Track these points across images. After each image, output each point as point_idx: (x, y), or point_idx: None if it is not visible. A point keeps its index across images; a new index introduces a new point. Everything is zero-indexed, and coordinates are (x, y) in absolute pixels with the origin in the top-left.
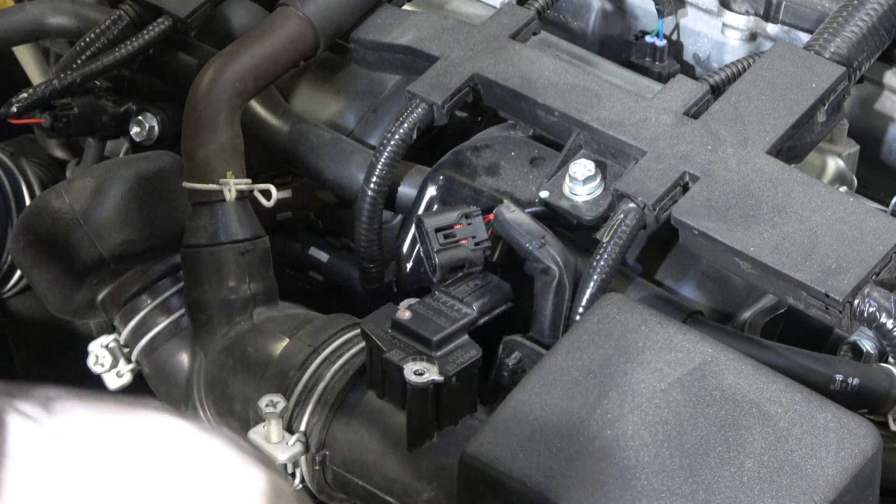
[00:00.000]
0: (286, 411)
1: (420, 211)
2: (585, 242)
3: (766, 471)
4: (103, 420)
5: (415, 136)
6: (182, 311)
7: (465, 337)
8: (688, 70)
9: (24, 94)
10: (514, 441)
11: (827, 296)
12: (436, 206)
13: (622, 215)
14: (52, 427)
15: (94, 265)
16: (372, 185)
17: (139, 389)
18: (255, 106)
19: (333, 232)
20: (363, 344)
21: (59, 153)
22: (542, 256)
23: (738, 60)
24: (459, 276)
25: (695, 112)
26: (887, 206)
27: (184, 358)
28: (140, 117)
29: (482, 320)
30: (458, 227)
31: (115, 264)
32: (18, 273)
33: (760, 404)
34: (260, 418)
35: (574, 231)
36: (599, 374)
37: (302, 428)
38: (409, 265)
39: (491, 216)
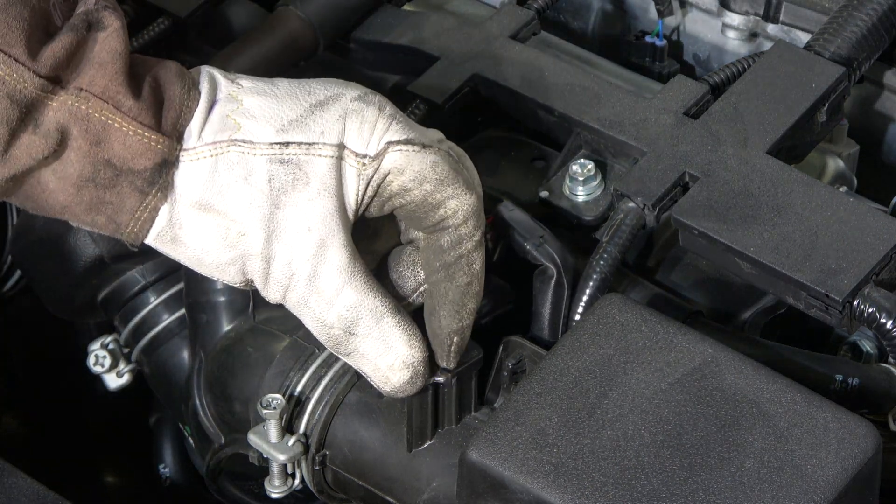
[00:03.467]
0: (286, 411)
1: None
2: (586, 242)
3: (766, 471)
4: None
5: None
6: (182, 310)
7: None
8: (688, 70)
9: None
10: (514, 441)
11: (827, 296)
12: None
13: (622, 215)
14: None
15: (94, 265)
16: None
17: (139, 389)
18: None
19: None
20: None
21: None
22: (540, 255)
23: (738, 60)
24: None
25: (695, 112)
26: (887, 206)
27: (184, 358)
28: None
29: (483, 321)
30: None
31: (114, 264)
32: (18, 273)
33: (760, 404)
34: (260, 418)
35: (574, 231)
36: (599, 374)
37: (302, 428)
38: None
39: (492, 218)
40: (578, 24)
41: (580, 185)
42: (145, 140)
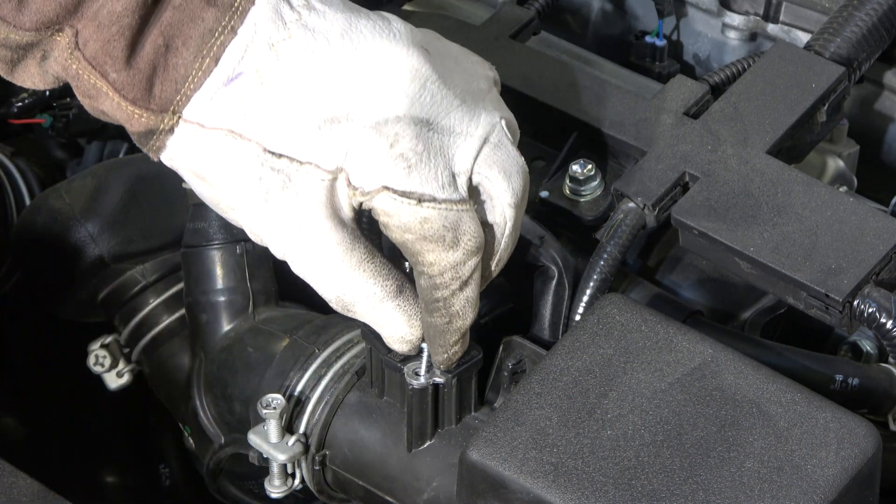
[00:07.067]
0: (286, 411)
1: None
2: (585, 242)
3: (766, 471)
4: None
5: None
6: (182, 310)
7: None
8: (688, 70)
9: (25, 94)
10: (514, 441)
11: (827, 296)
12: None
13: (622, 215)
14: None
15: (94, 265)
16: None
17: (139, 389)
18: None
19: None
20: (363, 344)
21: (59, 153)
22: (540, 256)
23: (738, 60)
24: None
25: (695, 112)
26: (887, 206)
27: (184, 358)
28: None
29: (483, 320)
30: None
31: (114, 264)
32: (18, 273)
33: (760, 404)
34: (260, 418)
35: (574, 231)
36: (599, 374)
37: (302, 428)
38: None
39: None
40: (578, 24)
41: (580, 185)
42: (129, 112)
